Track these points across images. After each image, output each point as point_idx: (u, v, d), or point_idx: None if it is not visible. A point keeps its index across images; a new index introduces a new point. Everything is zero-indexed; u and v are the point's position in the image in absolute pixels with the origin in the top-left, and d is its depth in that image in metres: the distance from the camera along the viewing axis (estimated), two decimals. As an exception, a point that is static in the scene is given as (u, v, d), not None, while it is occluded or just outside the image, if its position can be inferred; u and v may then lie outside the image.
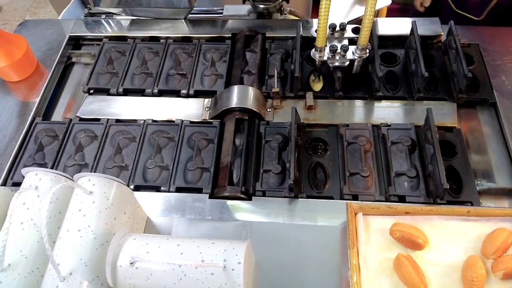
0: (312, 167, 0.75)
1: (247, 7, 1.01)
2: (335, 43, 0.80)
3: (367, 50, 0.78)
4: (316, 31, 0.75)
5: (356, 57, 0.78)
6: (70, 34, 0.98)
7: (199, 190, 0.72)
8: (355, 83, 0.84)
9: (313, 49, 0.79)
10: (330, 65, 0.79)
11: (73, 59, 0.99)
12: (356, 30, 0.83)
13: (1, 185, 0.75)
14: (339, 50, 0.78)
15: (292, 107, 0.75)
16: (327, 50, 0.78)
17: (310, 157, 0.76)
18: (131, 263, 0.52)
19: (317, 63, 0.80)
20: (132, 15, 1.01)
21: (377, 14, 1.07)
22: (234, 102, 0.79)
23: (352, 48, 0.79)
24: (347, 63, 0.79)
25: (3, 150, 0.80)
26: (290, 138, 0.71)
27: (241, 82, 0.84)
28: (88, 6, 1.06)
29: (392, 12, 1.24)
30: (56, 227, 0.58)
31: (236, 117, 0.78)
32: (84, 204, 0.56)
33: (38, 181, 0.60)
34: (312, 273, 0.62)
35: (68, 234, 0.54)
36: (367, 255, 0.60)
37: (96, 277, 0.53)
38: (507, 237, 0.58)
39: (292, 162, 0.67)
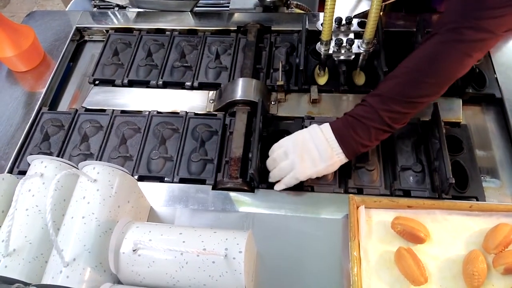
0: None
1: (253, 0, 1.01)
2: (341, 36, 0.80)
3: (373, 44, 0.77)
4: (322, 24, 0.75)
5: (361, 51, 0.78)
6: (77, 26, 0.99)
7: (202, 181, 0.73)
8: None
9: (319, 43, 0.79)
10: (336, 58, 0.79)
11: (86, 37, 1.01)
12: (362, 24, 0.82)
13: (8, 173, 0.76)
14: (344, 44, 0.78)
15: (259, 98, 0.76)
16: (332, 43, 0.78)
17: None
18: (133, 250, 0.53)
19: (322, 56, 0.80)
20: (139, 7, 1.01)
21: (384, 8, 1.06)
22: (238, 94, 0.79)
23: (357, 42, 0.78)
24: (353, 57, 0.78)
25: (10, 139, 0.81)
26: (255, 130, 0.73)
27: (247, 74, 0.84)
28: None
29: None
30: (61, 214, 0.58)
31: (249, 110, 0.79)
32: (89, 191, 0.57)
33: (44, 168, 0.61)
34: (313, 264, 0.62)
35: (72, 221, 0.55)
36: (368, 247, 0.60)
37: (99, 263, 0.53)
38: (508, 233, 0.58)
39: (254, 152, 0.69)
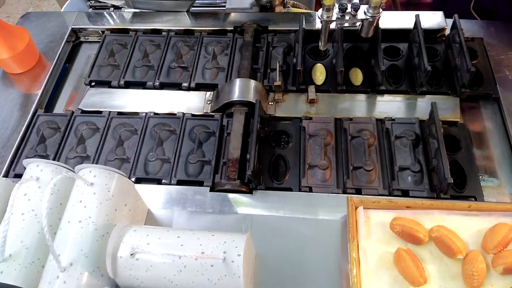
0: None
1: (250, 0, 1.01)
2: (345, 1, 0.73)
3: (381, 10, 0.71)
4: None
5: (368, 17, 0.71)
6: (73, 27, 0.98)
7: (200, 183, 0.72)
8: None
9: (320, 9, 0.72)
10: (339, 26, 0.72)
11: (81, 38, 1.00)
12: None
13: (3, 176, 0.75)
14: (349, 10, 0.72)
15: (256, 99, 0.75)
16: (336, 10, 0.72)
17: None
18: (131, 254, 0.52)
19: (322, 24, 0.72)
20: (134, 8, 1.01)
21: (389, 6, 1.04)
22: (236, 95, 0.79)
23: (364, 7, 0.72)
24: (358, 24, 0.72)
25: (5, 142, 0.80)
26: (252, 131, 0.71)
27: (244, 75, 0.84)
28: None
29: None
30: (57, 218, 0.58)
31: (246, 111, 0.78)
32: (85, 195, 0.56)
33: (39, 172, 0.60)
34: (312, 266, 0.62)
35: (69, 225, 0.55)
36: (367, 248, 0.60)
37: (97, 268, 0.53)
38: (507, 232, 0.57)
39: (252, 153, 0.67)
